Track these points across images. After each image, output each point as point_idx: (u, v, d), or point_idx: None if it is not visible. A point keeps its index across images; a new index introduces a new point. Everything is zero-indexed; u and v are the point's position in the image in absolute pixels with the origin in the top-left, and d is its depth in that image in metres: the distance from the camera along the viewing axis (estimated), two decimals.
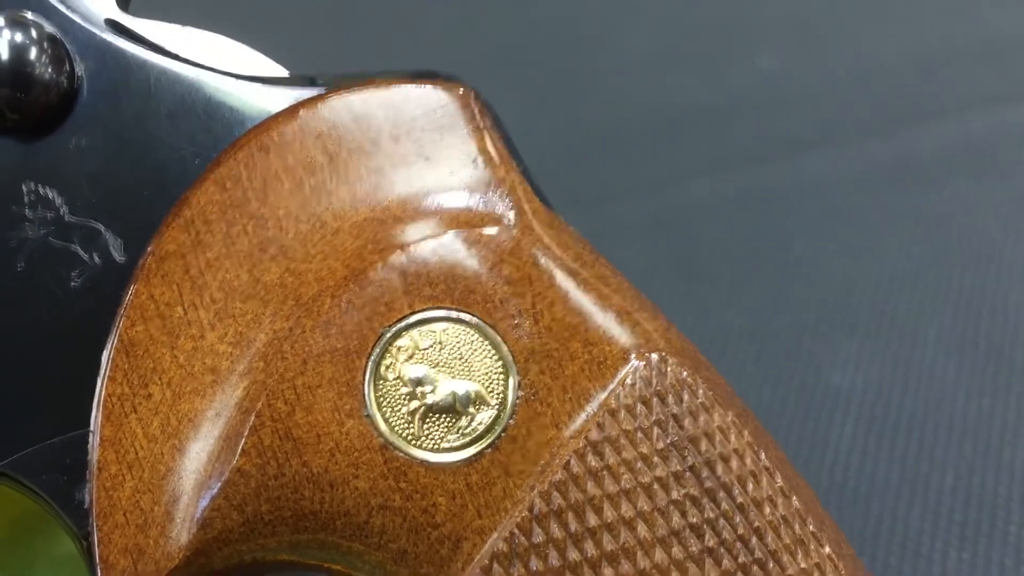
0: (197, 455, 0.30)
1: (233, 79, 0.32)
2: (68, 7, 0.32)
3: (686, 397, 0.31)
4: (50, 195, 0.31)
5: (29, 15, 0.31)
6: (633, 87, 0.78)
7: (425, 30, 0.82)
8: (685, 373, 0.31)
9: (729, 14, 0.81)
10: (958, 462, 0.55)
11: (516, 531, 0.30)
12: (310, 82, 0.33)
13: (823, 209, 0.68)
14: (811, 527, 0.32)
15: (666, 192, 0.70)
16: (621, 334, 0.31)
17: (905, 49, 0.77)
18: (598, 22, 0.82)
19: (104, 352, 0.31)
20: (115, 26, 0.33)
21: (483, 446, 0.30)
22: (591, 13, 0.82)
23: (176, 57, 0.32)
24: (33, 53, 0.30)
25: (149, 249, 0.31)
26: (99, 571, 0.30)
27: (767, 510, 0.31)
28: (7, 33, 0.30)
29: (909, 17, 0.79)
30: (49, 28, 0.31)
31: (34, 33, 0.30)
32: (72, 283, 0.31)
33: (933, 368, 0.59)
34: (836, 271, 0.64)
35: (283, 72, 0.34)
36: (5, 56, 0.30)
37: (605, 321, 0.31)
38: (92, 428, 0.30)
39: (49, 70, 0.30)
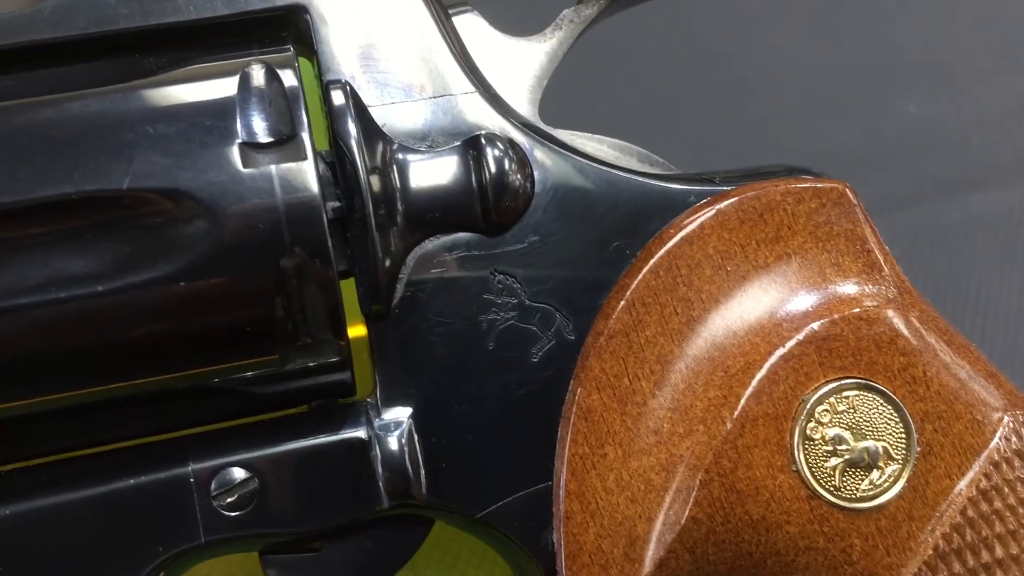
0: (649, 505, 0.35)
1: (649, 179, 0.37)
2: (509, 117, 0.37)
3: None
4: (513, 284, 0.36)
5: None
6: (784, 134, 0.82)
7: (571, 86, 0.87)
8: None
9: (872, 60, 0.86)
10: None
11: (923, 567, 0.35)
12: (709, 179, 0.38)
13: (989, 246, 0.73)
14: None
15: None
16: (991, 396, 0.36)
17: None
18: (748, 72, 0.87)
19: (563, 417, 0.36)
20: (535, 130, 0.37)
21: (891, 495, 0.35)
22: (741, 63, 0.87)
23: (599, 160, 0.37)
24: (506, 163, 0.35)
25: (599, 329, 0.36)
26: None
27: None
28: (490, 149, 0.35)
29: None
30: (508, 136, 0.36)
31: (502, 145, 0.35)
32: (533, 358, 0.36)
33: None
34: (1012, 304, 0.70)
35: (671, 168, 0.39)
36: (494, 169, 0.35)
37: (978, 385, 0.36)
38: (556, 482, 0.35)
39: (519, 177, 0.35)
